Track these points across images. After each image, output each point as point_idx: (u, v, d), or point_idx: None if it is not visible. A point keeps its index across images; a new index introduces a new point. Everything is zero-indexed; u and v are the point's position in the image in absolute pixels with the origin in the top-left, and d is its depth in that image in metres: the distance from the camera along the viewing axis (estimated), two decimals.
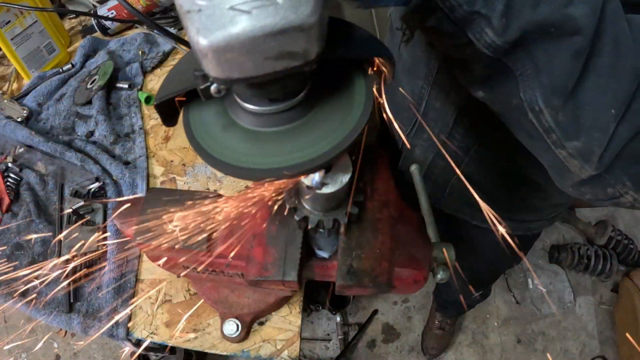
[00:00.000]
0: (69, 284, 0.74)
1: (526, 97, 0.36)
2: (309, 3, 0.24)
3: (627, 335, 1.67)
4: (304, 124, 0.33)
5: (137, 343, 0.76)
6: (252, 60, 0.25)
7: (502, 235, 0.92)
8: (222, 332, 0.68)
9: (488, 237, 0.93)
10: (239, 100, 0.32)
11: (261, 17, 0.23)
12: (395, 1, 0.37)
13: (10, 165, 0.89)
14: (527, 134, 0.41)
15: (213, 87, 0.30)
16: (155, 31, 1.15)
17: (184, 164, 0.89)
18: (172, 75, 0.36)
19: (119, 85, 1.01)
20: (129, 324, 0.72)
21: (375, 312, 1.89)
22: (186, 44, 0.34)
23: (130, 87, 1.00)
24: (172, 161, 0.89)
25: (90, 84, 0.98)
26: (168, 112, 0.36)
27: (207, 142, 0.34)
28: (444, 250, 0.57)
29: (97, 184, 0.83)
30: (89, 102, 0.96)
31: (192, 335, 0.71)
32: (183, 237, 0.50)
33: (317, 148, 0.31)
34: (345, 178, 0.41)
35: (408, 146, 0.83)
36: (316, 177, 0.39)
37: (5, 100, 0.97)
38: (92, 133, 0.93)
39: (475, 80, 0.40)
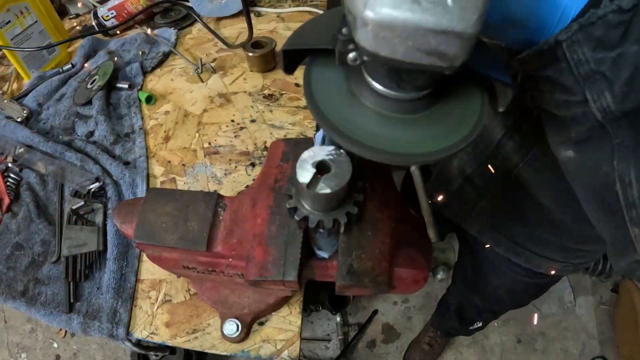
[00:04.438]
0: (68, 284, 0.74)
1: (619, 167, 0.36)
2: (475, 14, 0.25)
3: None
4: (424, 118, 0.34)
5: (137, 343, 0.76)
6: (405, 47, 0.27)
7: (520, 270, 0.89)
8: (222, 332, 0.68)
9: (506, 266, 0.92)
10: (367, 77, 0.34)
11: (429, 12, 0.25)
12: (521, 44, 0.36)
13: (10, 165, 0.89)
14: (600, 204, 0.41)
15: (352, 55, 0.31)
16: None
17: (183, 164, 0.89)
18: (308, 27, 0.37)
19: (119, 85, 1.01)
20: (129, 324, 0.72)
21: (375, 312, 1.89)
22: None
23: (130, 87, 1.01)
24: (171, 161, 0.90)
25: (90, 84, 0.98)
26: (292, 60, 0.37)
27: (328, 109, 0.35)
28: (444, 250, 0.58)
29: (97, 184, 0.83)
30: (89, 102, 0.96)
31: (192, 335, 0.71)
32: None
33: (438, 143, 0.33)
34: (345, 178, 0.40)
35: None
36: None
37: (5, 100, 0.97)
38: (92, 133, 0.93)
39: (570, 140, 0.40)
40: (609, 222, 0.42)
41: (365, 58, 0.30)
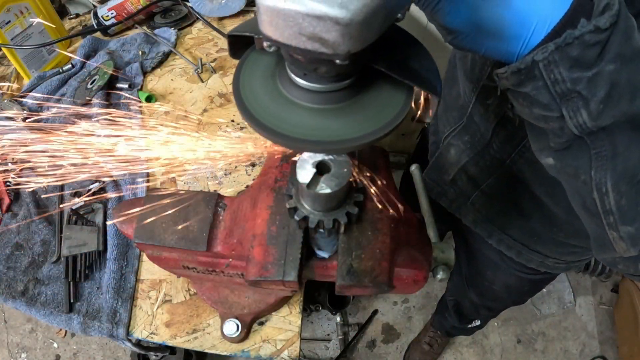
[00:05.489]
0: (69, 284, 0.74)
1: (596, 177, 0.37)
2: (355, 2, 0.25)
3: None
4: (341, 110, 0.35)
5: (137, 343, 0.76)
6: (290, 31, 0.28)
7: (513, 265, 0.90)
8: (222, 332, 0.68)
9: (500, 260, 0.92)
10: (287, 70, 0.35)
11: None
12: (498, 55, 0.36)
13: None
14: (583, 204, 0.42)
15: (265, 42, 0.32)
16: (155, 33, 1.15)
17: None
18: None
19: (119, 85, 1.01)
20: (129, 324, 0.72)
21: (375, 312, 1.89)
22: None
23: (130, 87, 1.00)
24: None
25: (90, 84, 0.98)
26: (238, 46, 0.39)
27: (249, 98, 0.36)
28: (444, 250, 0.58)
29: (97, 184, 0.83)
30: (89, 102, 0.96)
31: (192, 335, 0.71)
32: None
33: (345, 133, 0.34)
34: (344, 178, 0.40)
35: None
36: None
37: (5, 100, 0.97)
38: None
39: (549, 148, 0.41)
40: (590, 220, 0.43)
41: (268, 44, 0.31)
